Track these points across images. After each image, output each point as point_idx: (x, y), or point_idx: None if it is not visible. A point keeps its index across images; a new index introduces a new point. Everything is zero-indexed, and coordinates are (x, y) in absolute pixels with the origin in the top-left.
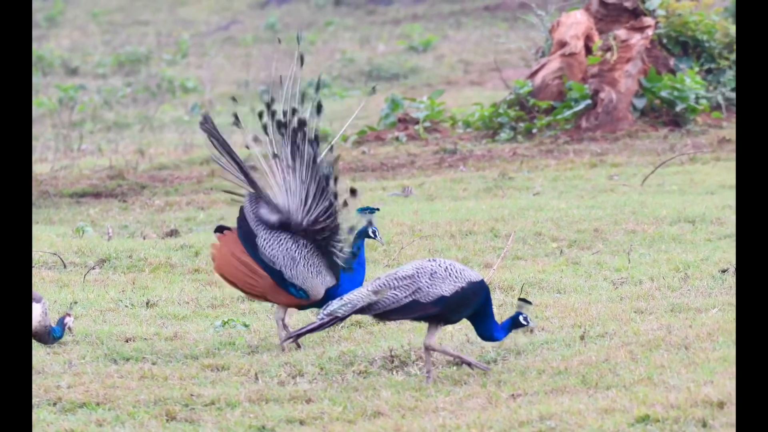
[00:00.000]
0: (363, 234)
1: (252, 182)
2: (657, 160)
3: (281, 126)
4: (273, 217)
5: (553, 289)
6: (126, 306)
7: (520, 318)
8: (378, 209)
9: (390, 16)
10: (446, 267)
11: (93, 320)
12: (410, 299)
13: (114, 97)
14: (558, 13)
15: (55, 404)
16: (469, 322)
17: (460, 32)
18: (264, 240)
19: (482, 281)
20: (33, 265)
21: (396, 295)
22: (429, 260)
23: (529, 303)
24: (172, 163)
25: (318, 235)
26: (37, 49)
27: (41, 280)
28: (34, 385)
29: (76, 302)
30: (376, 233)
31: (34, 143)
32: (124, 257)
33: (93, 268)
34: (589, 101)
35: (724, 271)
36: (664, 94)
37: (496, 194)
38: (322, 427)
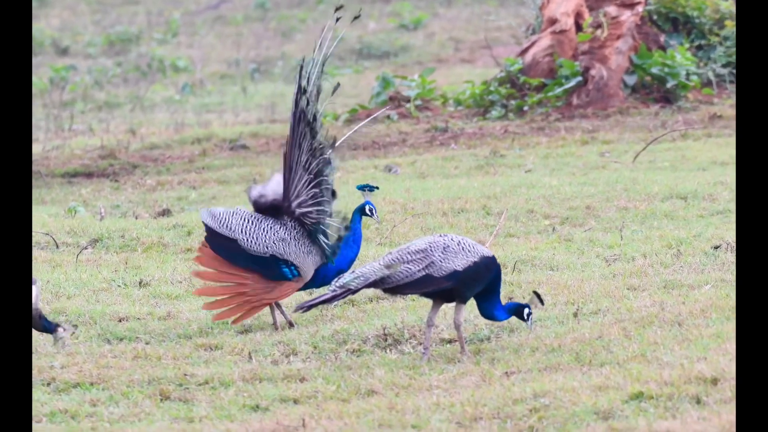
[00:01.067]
0: (360, 211)
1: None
2: (648, 137)
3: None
4: (263, 199)
5: (545, 266)
6: (119, 286)
7: (525, 312)
8: (377, 187)
9: None
10: (459, 241)
11: (86, 300)
12: (423, 273)
13: (105, 76)
14: None
15: (48, 384)
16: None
17: (451, 10)
18: (247, 239)
19: (494, 257)
20: None
21: (409, 269)
22: (441, 235)
23: (542, 303)
24: (164, 143)
25: (305, 220)
26: None
27: (34, 261)
28: None
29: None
30: (374, 211)
31: None
32: (116, 237)
33: (85, 248)
34: (579, 78)
35: (716, 248)
36: (654, 70)
37: (488, 172)
38: (316, 405)
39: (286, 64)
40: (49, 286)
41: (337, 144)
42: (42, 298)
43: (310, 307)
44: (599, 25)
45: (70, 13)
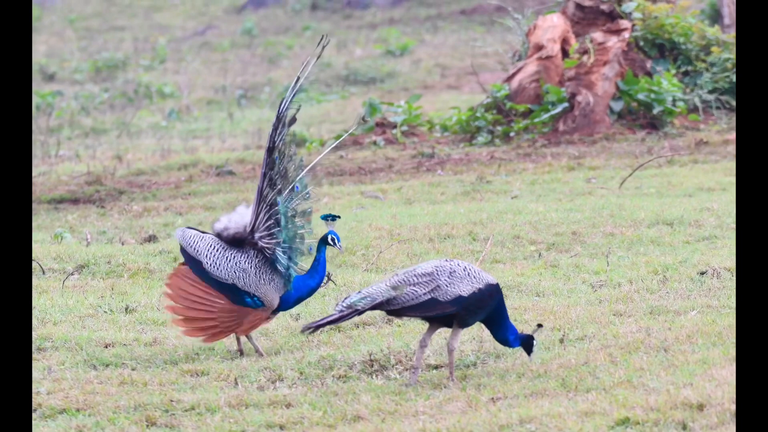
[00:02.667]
0: (323, 241)
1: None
2: (634, 163)
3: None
4: (226, 232)
5: (531, 292)
6: (105, 312)
7: (533, 343)
8: (339, 217)
9: (367, 20)
10: (465, 267)
11: (72, 326)
12: (429, 297)
13: (91, 103)
14: (534, 17)
15: (35, 410)
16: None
17: (437, 36)
18: (210, 263)
19: (498, 285)
20: None
21: (415, 291)
22: (447, 260)
23: (540, 327)
24: (150, 169)
25: (266, 250)
26: None
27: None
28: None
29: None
30: (335, 241)
31: None
32: (102, 263)
33: (72, 274)
34: (566, 104)
35: (702, 273)
36: (641, 96)
37: (474, 198)
38: (302, 431)
39: (272, 90)
40: (36, 312)
41: (301, 174)
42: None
43: (316, 328)
44: (586, 51)
45: (57, 40)
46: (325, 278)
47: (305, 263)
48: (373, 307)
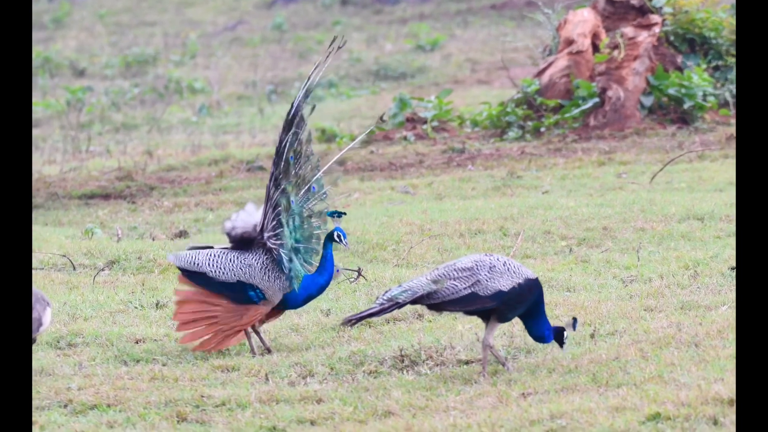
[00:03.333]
0: (330, 238)
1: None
2: (665, 158)
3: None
4: (234, 231)
5: (562, 287)
6: (136, 307)
7: (564, 334)
8: (345, 213)
9: (397, 15)
10: (504, 262)
11: (103, 322)
12: (469, 291)
13: (122, 98)
14: (565, 11)
15: (65, 406)
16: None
17: (468, 31)
18: (213, 270)
19: (537, 279)
20: (42, 267)
21: (455, 285)
22: (487, 254)
23: (574, 329)
24: (181, 165)
25: (273, 250)
26: (43, 50)
27: (51, 282)
28: (44, 387)
29: None
30: (341, 238)
31: (42, 145)
32: (133, 258)
33: (102, 270)
34: (596, 99)
35: (733, 269)
36: (671, 91)
37: (505, 193)
38: (333, 427)
39: (302, 85)
40: (66, 307)
41: (317, 174)
42: (58, 320)
43: (357, 321)
44: (616, 46)
45: (87, 35)
46: (356, 274)
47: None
48: (414, 301)
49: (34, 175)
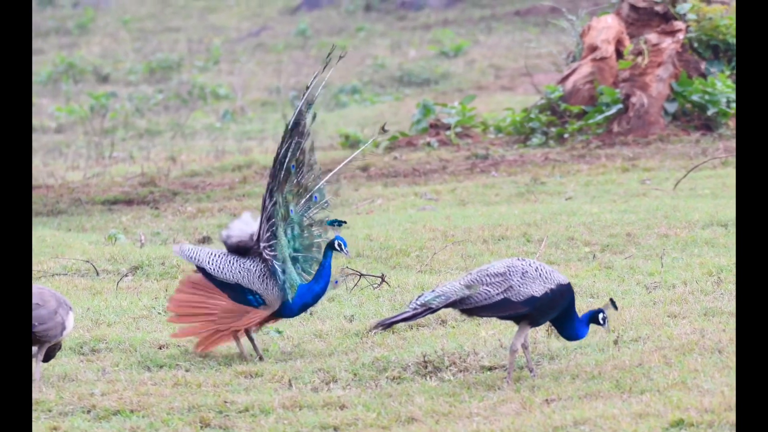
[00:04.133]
0: (330, 247)
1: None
2: (689, 164)
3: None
4: (230, 240)
5: (586, 293)
6: (159, 313)
7: (600, 316)
8: (345, 222)
9: (421, 21)
10: (537, 267)
11: (126, 327)
12: (502, 297)
13: (145, 104)
14: (589, 18)
15: (88, 411)
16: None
17: (491, 37)
18: (213, 267)
19: (569, 284)
20: (66, 272)
21: (488, 291)
22: (519, 259)
23: (615, 308)
24: (204, 170)
25: (268, 260)
26: (68, 56)
27: (74, 288)
28: (67, 393)
29: None
30: (342, 246)
31: (66, 151)
32: (156, 264)
33: (126, 276)
34: (620, 106)
35: None
36: (695, 98)
37: (529, 199)
38: None
39: (326, 91)
40: (89, 313)
41: (319, 184)
42: (81, 325)
43: (389, 325)
44: (640, 53)
45: (111, 41)
46: (379, 280)
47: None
48: (447, 306)
49: (58, 181)
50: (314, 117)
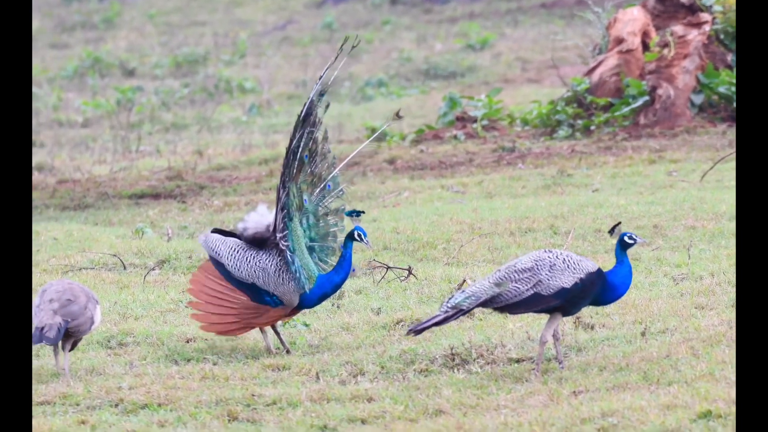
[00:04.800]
0: (350, 237)
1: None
2: (716, 156)
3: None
4: (246, 232)
5: None
6: (186, 307)
7: (626, 238)
8: (363, 212)
9: (447, 14)
10: (564, 259)
11: (153, 321)
12: (531, 292)
13: (172, 98)
14: (615, 10)
15: (116, 405)
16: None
17: (518, 30)
18: (232, 264)
19: (599, 270)
20: (93, 266)
21: (518, 288)
22: (545, 251)
23: (619, 223)
24: (231, 164)
25: (283, 251)
26: (94, 51)
27: (101, 282)
28: (95, 387)
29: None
30: (362, 236)
31: (92, 145)
32: (183, 258)
33: (153, 269)
34: (646, 98)
35: None
36: (721, 89)
37: (555, 191)
38: (384, 426)
39: (353, 84)
40: (117, 307)
41: (333, 172)
42: (108, 319)
43: (421, 330)
44: (666, 45)
45: (138, 35)
46: (406, 272)
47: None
48: (478, 306)
49: (85, 175)
50: (327, 106)
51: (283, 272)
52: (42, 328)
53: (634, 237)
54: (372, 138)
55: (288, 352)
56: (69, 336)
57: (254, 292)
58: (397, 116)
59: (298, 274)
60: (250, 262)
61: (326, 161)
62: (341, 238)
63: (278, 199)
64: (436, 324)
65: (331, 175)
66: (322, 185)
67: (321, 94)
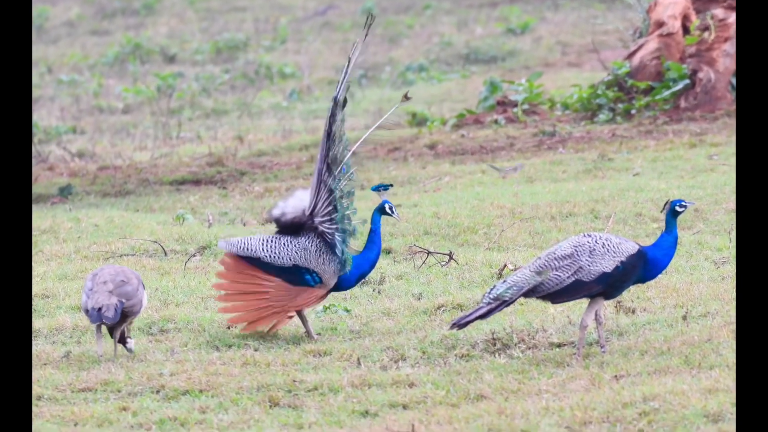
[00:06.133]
0: (380, 211)
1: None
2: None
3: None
4: (284, 217)
5: None
6: (215, 301)
7: (677, 207)
8: (391, 185)
9: None
10: (603, 243)
11: (194, 307)
12: (573, 279)
13: (212, 84)
14: None
15: (158, 392)
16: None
17: (558, 14)
18: (269, 255)
19: (639, 251)
20: (134, 253)
21: (558, 276)
22: (584, 235)
23: (669, 201)
24: (271, 150)
25: (326, 233)
26: (134, 37)
27: (142, 268)
28: (136, 373)
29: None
30: (393, 209)
31: (133, 131)
32: None
33: (194, 256)
34: (687, 81)
35: None
36: None
37: (596, 176)
38: (425, 410)
39: (393, 69)
40: (158, 293)
41: (347, 155)
42: (150, 306)
43: (465, 324)
44: (706, 28)
45: (178, 21)
46: (447, 257)
47: (355, 243)
48: (522, 295)
49: (126, 161)
50: (348, 88)
51: (324, 253)
52: (100, 309)
53: (684, 204)
54: (379, 123)
55: (312, 339)
56: (125, 316)
57: (294, 273)
58: (406, 98)
59: (343, 256)
60: (288, 246)
61: (342, 143)
62: (355, 221)
63: (320, 181)
64: (480, 317)
65: (346, 158)
66: (339, 168)
67: (346, 77)
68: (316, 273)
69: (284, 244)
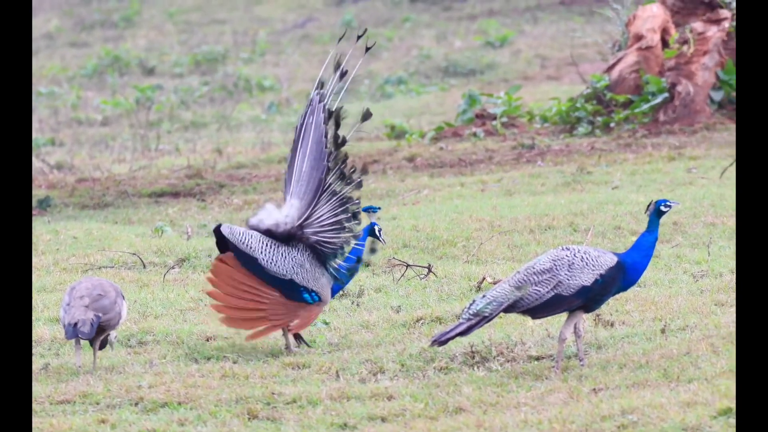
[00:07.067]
0: (370, 232)
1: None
2: (735, 153)
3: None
4: (276, 228)
5: None
6: (206, 305)
7: (662, 207)
8: (379, 208)
9: (466, 11)
10: (582, 256)
11: (173, 320)
12: (552, 294)
13: (191, 96)
14: (634, 7)
15: (136, 404)
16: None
17: (537, 27)
18: (266, 259)
19: (618, 262)
20: (113, 265)
21: (538, 291)
22: (563, 249)
23: (652, 201)
24: (250, 162)
25: (322, 246)
26: (113, 49)
27: (121, 281)
28: (115, 385)
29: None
30: (380, 233)
31: (111, 143)
32: (203, 256)
33: (172, 268)
34: (666, 94)
35: None
36: None
37: (575, 189)
38: (404, 423)
39: (372, 82)
40: (137, 305)
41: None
42: (128, 318)
43: (446, 341)
44: (686, 41)
45: (157, 33)
46: (426, 270)
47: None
48: (500, 312)
49: (104, 174)
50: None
51: (317, 268)
52: (75, 324)
53: (669, 203)
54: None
55: (290, 351)
56: (102, 330)
57: (291, 289)
58: (365, 117)
59: (331, 269)
60: (286, 257)
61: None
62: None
63: (320, 189)
64: (460, 334)
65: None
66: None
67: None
68: (314, 292)
69: (282, 254)
